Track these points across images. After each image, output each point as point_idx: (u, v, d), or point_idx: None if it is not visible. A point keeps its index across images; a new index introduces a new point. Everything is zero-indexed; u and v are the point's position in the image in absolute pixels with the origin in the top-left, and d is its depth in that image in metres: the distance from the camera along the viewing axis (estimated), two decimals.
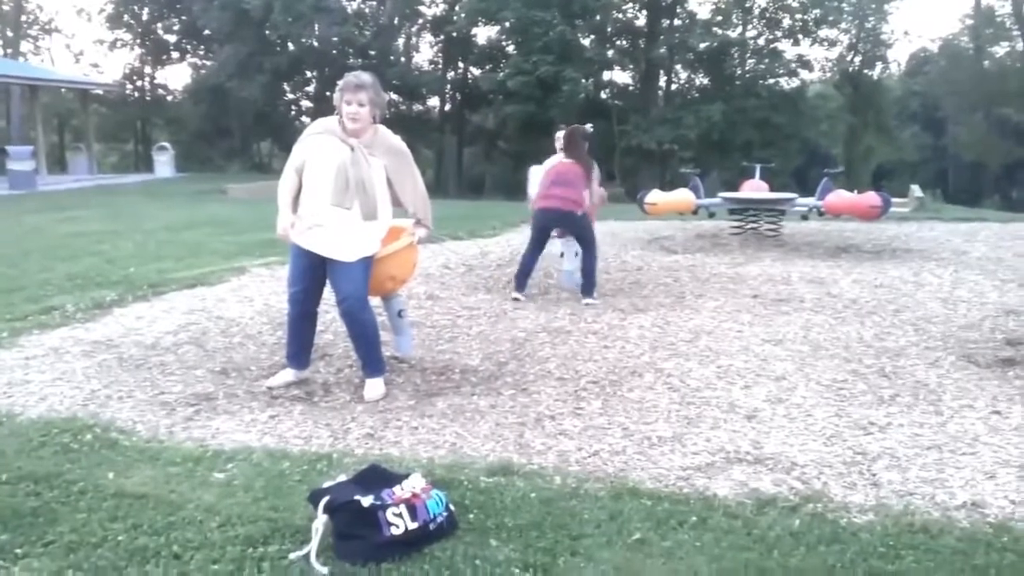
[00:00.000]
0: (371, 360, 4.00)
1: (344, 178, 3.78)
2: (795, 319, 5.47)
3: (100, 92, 31.25)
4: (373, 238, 3.93)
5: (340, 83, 3.89)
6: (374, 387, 3.93)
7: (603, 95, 30.47)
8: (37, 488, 2.81)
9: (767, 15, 29.90)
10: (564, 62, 26.16)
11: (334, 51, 29.95)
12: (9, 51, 33.44)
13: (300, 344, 4.13)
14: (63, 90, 30.21)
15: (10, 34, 34.47)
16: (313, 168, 3.85)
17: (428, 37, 34.14)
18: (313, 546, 2.35)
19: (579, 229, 6.25)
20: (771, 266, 7.70)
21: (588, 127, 7.10)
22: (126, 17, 34.21)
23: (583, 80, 27.67)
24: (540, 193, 6.31)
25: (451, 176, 34.60)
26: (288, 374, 4.12)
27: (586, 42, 29.15)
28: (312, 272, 3.94)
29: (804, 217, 9.83)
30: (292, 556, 2.36)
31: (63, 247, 9.07)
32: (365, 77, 3.89)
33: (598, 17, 28.74)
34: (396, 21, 32.01)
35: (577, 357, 4.57)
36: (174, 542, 2.45)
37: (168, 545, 2.43)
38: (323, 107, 32.70)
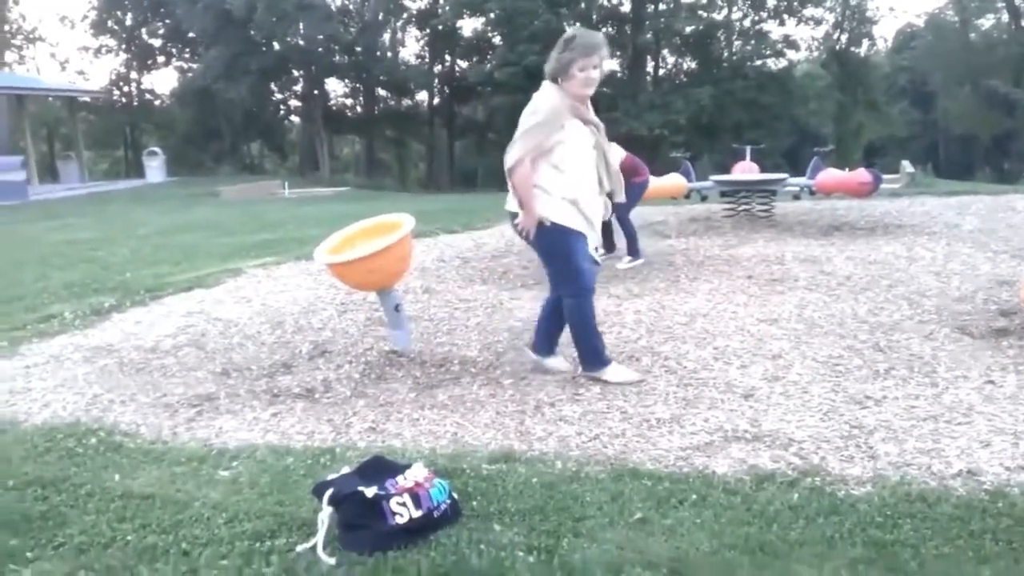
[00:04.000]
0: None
1: (603, 163, 3.71)
2: (790, 298, 5.50)
3: (87, 99, 31.18)
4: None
5: (568, 46, 3.57)
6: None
7: None
8: (45, 492, 2.85)
9: None
10: (551, 51, 26.14)
11: (320, 49, 29.85)
12: None
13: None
14: (50, 99, 30.11)
15: None
16: (574, 155, 3.64)
17: (414, 31, 34.08)
18: (319, 538, 2.38)
19: None
20: (764, 247, 7.73)
21: None
22: (110, 23, 34.08)
23: None
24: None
25: (443, 169, 34.58)
26: (622, 369, 3.95)
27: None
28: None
29: (796, 197, 9.87)
30: (299, 548, 2.39)
31: (58, 255, 9.08)
32: (598, 36, 3.67)
33: (583, 5, 28.70)
34: (381, 16, 31.91)
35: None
36: (182, 540, 2.48)
37: (177, 543, 2.47)
38: (311, 105, 32.67)
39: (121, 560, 2.38)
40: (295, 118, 36.72)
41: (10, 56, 35.29)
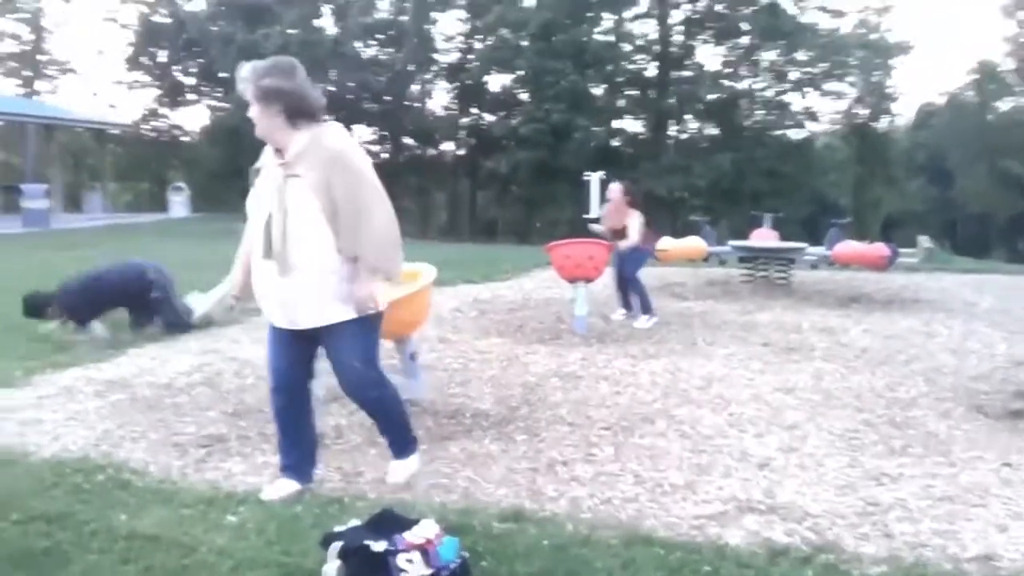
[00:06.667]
0: (395, 438, 3.33)
1: (268, 217, 3.01)
2: (806, 368, 5.46)
3: (116, 132, 31.72)
4: (349, 289, 3.00)
5: None
6: (399, 468, 3.33)
7: (614, 143, 30.83)
8: (49, 528, 2.81)
9: (775, 68, 30.33)
10: (576, 110, 26.61)
11: (350, 96, 30.42)
12: (26, 90, 34.05)
13: (291, 443, 3.18)
14: (79, 129, 30.67)
15: (27, 73, 35.10)
16: (251, 210, 3.16)
17: (443, 84, 34.67)
18: None
19: None
20: (782, 314, 7.71)
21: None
22: (144, 59, 34.88)
23: (594, 128, 28.07)
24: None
25: (464, 219, 34.86)
26: (286, 485, 3.16)
27: (597, 91, 29.67)
28: (288, 345, 3.12)
29: (814, 266, 9.88)
30: None
31: None
32: (242, 69, 3.03)
33: (609, 67, 29.25)
34: (412, 68, 32.55)
35: (589, 402, 4.57)
36: None
37: None
38: None
39: None
40: None
41: (42, 85, 36.10)
